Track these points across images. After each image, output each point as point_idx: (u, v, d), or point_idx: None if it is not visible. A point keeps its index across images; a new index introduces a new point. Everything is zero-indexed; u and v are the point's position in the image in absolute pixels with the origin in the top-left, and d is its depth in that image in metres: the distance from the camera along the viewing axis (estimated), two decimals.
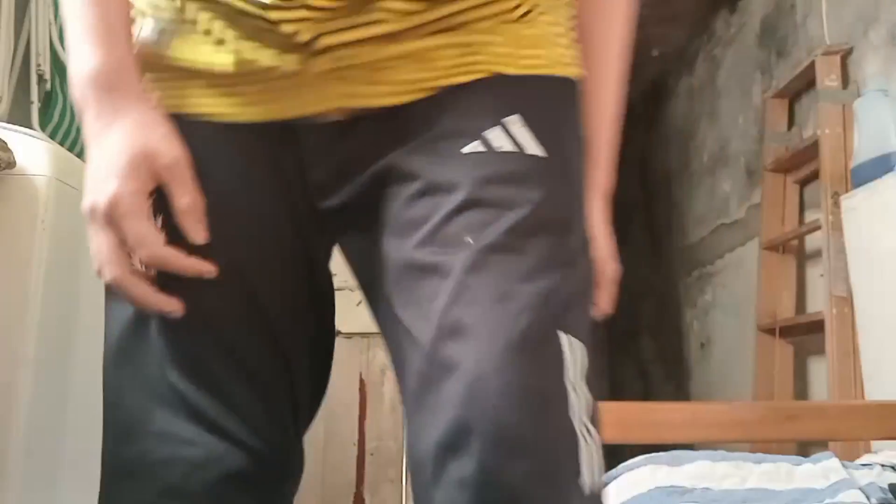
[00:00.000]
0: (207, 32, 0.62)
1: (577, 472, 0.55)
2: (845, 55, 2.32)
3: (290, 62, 0.59)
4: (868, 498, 0.93)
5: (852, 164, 2.09)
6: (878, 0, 2.18)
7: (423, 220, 0.56)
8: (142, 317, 0.62)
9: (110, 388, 0.64)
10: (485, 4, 0.59)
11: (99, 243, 0.58)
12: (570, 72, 0.63)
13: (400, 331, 0.57)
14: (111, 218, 0.57)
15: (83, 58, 0.60)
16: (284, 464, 0.66)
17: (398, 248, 0.58)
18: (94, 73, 0.59)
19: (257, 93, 0.61)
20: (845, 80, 2.31)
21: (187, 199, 0.59)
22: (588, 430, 0.58)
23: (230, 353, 0.63)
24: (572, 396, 0.55)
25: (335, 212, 0.64)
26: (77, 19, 0.61)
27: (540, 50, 0.61)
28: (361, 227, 0.63)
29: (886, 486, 0.98)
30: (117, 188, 0.57)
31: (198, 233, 0.59)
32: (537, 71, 0.60)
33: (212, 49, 0.61)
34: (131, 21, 0.63)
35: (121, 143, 0.58)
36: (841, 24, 2.38)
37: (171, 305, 0.59)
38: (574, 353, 0.55)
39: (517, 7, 0.61)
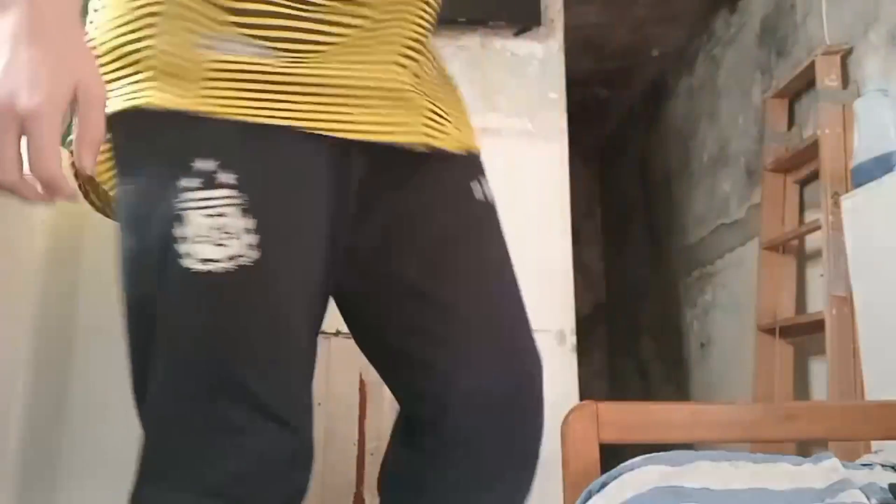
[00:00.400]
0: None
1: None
2: (845, 55, 2.32)
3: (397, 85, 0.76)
4: (868, 498, 0.93)
5: (852, 163, 2.09)
6: (878, 0, 2.19)
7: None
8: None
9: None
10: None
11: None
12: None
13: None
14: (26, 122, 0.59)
15: None
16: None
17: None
18: None
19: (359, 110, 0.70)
20: (845, 80, 2.31)
21: (97, 133, 0.64)
22: None
23: (287, 336, 0.69)
24: None
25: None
26: None
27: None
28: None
29: (887, 486, 0.98)
30: (45, 99, 0.59)
31: (89, 161, 0.66)
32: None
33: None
34: None
35: (56, 55, 0.60)
36: (841, 23, 2.38)
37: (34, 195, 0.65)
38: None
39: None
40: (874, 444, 1.56)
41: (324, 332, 2.86)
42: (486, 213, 0.84)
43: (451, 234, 0.80)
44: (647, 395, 4.32)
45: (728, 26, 3.38)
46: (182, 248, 0.66)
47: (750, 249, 3.00)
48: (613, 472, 1.08)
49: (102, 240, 1.45)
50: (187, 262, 0.66)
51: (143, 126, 0.70)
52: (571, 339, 2.50)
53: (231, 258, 0.66)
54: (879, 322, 1.86)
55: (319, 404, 2.45)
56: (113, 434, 1.51)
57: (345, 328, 2.70)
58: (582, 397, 2.35)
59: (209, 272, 0.65)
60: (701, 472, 1.03)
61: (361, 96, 0.69)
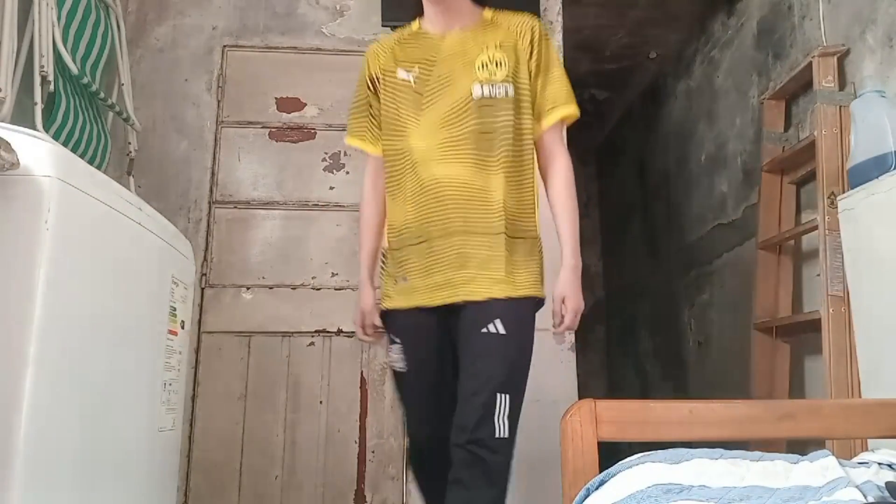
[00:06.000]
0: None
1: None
2: (842, 57, 2.34)
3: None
4: (865, 496, 0.94)
5: (848, 164, 2.10)
6: (874, 2, 2.20)
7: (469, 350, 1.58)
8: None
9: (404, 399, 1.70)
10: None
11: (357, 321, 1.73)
12: (523, 293, 1.57)
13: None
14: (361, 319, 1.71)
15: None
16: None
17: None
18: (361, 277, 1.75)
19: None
20: (842, 82, 2.32)
21: (369, 328, 1.70)
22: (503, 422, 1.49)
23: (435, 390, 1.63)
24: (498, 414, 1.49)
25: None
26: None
27: (510, 285, 1.57)
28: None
29: (883, 484, 0.99)
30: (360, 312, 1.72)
31: (365, 338, 1.73)
32: (514, 295, 1.56)
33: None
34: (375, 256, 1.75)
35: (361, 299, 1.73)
36: (837, 25, 2.39)
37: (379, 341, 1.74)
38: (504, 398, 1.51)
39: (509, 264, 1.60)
40: (871, 443, 1.57)
41: (325, 332, 2.86)
42: (493, 341, 1.52)
43: (464, 350, 1.56)
44: (644, 393, 4.33)
45: (725, 28, 3.39)
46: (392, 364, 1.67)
47: (747, 249, 3.01)
48: (612, 469, 1.09)
49: (105, 238, 1.46)
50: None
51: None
52: (570, 338, 2.51)
53: (401, 368, 1.64)
54: (875, 321, 1.87)
55: (321, 402, 2.46)
56: (113, 433, 1.51)
57: (345, 327, 2.69)
58: (580, 395, 2.36)
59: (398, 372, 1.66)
60: (698, 470, 1.04)
61: (434, 287, 1.60)
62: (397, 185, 1.67)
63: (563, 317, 1.57)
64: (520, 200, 1.63)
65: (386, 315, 1.67)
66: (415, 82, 1.66)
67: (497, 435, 1.46)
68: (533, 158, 1.68)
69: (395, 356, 1.63)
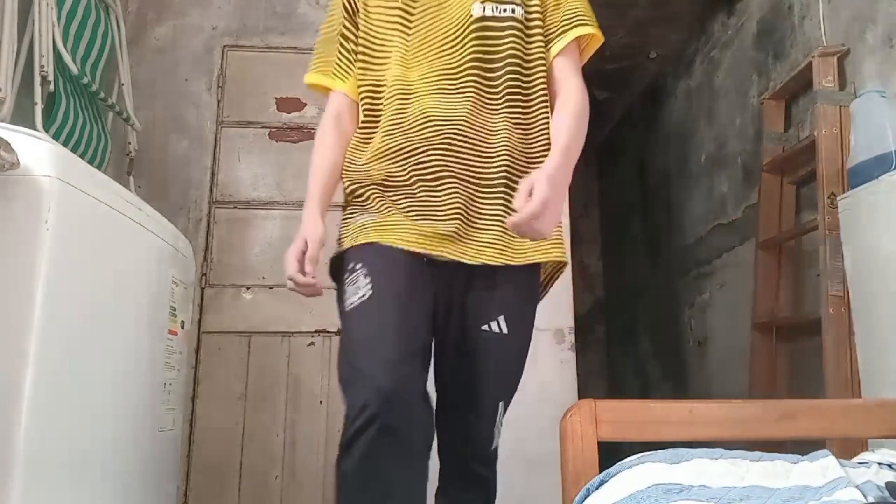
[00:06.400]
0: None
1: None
2: (842, 56, 2.33)
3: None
4: (865, 496, 0.94)
5: (848, 164, 2.10)
6: (874, 2, 2.20)
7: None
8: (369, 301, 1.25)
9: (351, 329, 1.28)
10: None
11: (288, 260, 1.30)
12: (530, 258, 1.33)
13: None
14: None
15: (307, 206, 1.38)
16: None
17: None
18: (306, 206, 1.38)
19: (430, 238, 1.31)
20: (842, 82, 2.32)
21: (310, 264, 1.29)
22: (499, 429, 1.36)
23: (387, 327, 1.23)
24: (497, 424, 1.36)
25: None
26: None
27: (510, 250, 1.33)
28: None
29: (883, 485, 0.99)
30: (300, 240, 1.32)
31: (300, 278, 1.29)
32: (507, 262, 1.32)
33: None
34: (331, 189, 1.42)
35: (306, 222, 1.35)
36: (838, 25, 2.39)
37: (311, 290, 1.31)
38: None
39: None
40: (871, 443, 1.57)
41: (325, 332, 2.85)
42: (494, 346, 1.33)
43: (462, 345, 1.34)
44: (644, 393, 4.33)
45: (726, 28, 3.39)
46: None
47: (747, 249, 3.01)
48: (612, 469, 1.09)
49: (105, 238, 1.46)
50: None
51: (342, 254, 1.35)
52: (570, 338, 2.51)
53: (361, 296, 1.25)
54: (875, 321, 1.87)
55: (321, 402, 2.46)
56: (113, 433, 1.51)
57: None
58: (580, 395, 2.36)
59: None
60: (698, 470, 1.04)
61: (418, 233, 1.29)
62: (376, 124, 1.35)
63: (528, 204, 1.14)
64: (527, 144, 1.33)
65: (342, 256, 1.33)
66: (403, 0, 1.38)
67: (494, 446, 1.35)
68: (545, 95, 1.37)
69: (350, 290, 1.25)
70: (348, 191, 1.39)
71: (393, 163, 1.30)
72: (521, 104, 1.34)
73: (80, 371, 1.33)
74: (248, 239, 2.59)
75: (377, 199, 1.33)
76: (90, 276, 1.38)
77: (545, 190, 1.14)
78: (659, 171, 4.27)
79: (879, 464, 1.10)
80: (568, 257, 1.46)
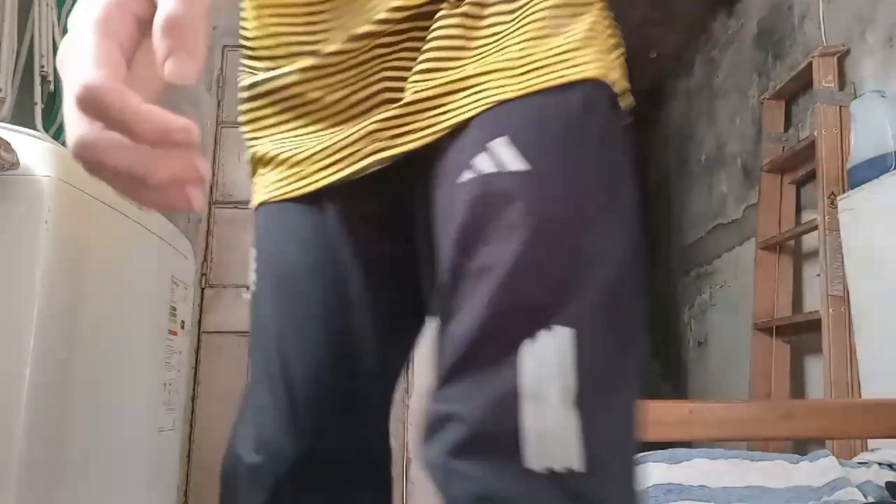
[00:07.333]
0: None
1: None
2: (842, 56, 2.34)
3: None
4: (865, 496, 0.94)
5: (848, 164, 2.10)
6: (874, 2, 2.20)
7: (440, 247, 0.61)
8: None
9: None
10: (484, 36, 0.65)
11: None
12: (570, 77, 0.62)
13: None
14: None
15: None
16: None
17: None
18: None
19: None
20: (842, 82, 2.32)
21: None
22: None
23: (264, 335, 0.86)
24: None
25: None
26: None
27: (539, 67, 0.62)
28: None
29: (883, 484, 0.99)
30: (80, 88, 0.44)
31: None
32: (537, 87, 0.62)
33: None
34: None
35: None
36: (838, 25, 2.39)
37: None
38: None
39: (514, 18, 0.64)
40: (871, 443, 1.57)
41: None
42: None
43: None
44: (644, 393, 4.32)
45: (726, 28, 3.39)
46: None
47: (747, 249, 3.01)
48: None
49: (105, 238, 1.46)
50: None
51: None
52: None
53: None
54: (875, 321, 1.87)
55: None
56: (113, 433, 1.51)
57: None
58: None
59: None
60: (699, 470, 1.04)
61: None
62: None
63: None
64: None
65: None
66: None
67: None
68: None
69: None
70: None
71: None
72: None
73: (79, 371, 1.33)
74: (248, 239, 2.59)
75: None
76: (90, 276, 1.38)
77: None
78: (659, 171, 4.27)
79: (879, 464, 1.10)
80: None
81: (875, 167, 1.94)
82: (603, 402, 0.56)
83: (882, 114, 2.00)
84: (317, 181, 0.72)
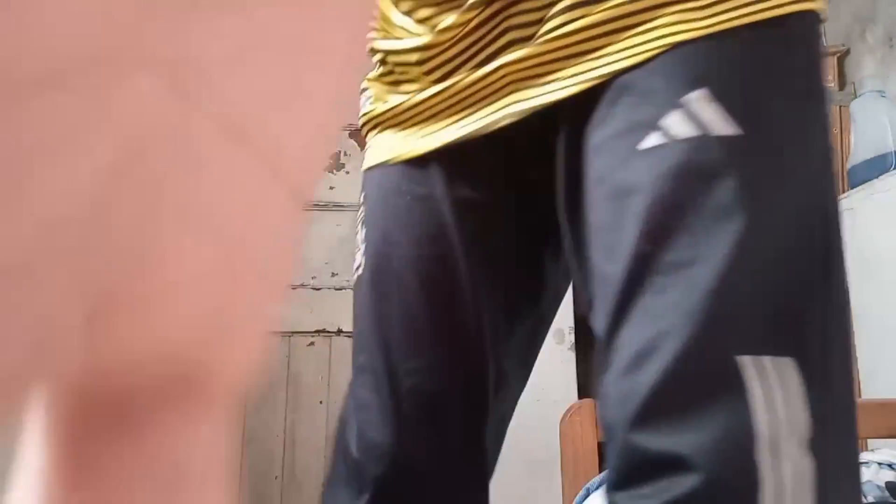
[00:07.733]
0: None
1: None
2: (842, 56, 2.33)
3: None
4: (865, 496, 0.94)
5: (848, 164, 2.10)
6: (874, 2, 2.20)
7: (607, 227, 0.50)
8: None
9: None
10: None
11: None
12: (780, 10, 0.49)
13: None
14: None
15: None
16: None
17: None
18: None
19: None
20: (842, 82, 2.32)
21: None
22: None
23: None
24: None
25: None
26: None
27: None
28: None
29: (884, 485, 0.99)
30: None
31: None
32: (727, 25, 0.48)
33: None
34: None
35: None
36: (837, 25, 2.39)
37: None
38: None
39: None
40: (871, 443, 1.57)
41: (325, 332, 2.85)
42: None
43: None
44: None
45: None
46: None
47: None
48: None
49: None
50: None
51: None
52: (570, 338, 2.51)
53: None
54: (875, 321, 1.87)
55: (322, 402, 2.46)
56: None
57: (346, 328, 2.69)
58: (580, 396, 2.36)
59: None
60: None
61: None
62: None
63: None
64: None
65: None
66: None
67: None
68: None
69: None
70: None
71: None
72: None
73: None
74: None
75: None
76: None
77: None
78: None
79: (879, 464, 1.10)
80: None
81: (875, 167, 1.94)
82: (835, 448, 0.45)
83: (882, 114, 2.01)
84: (430, 144, 0.62)
